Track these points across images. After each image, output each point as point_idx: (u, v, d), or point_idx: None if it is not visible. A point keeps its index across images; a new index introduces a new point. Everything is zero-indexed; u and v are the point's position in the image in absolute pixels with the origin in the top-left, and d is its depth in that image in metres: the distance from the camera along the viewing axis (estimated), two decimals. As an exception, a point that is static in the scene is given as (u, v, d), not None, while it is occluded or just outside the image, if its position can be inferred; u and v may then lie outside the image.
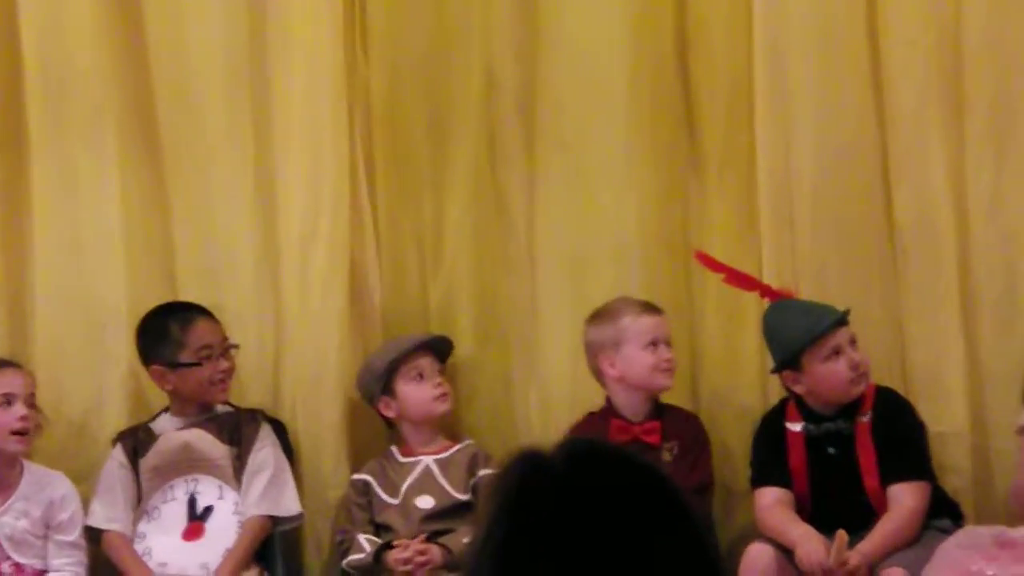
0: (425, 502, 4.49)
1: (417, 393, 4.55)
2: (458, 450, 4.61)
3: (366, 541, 4.48)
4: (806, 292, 4.47)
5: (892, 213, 4.49)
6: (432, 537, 4.40)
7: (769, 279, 4.51)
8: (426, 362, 4.53)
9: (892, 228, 4.50)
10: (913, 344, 4.49)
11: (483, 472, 4.52)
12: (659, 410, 4.44)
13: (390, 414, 4.59)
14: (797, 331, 4.24)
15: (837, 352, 4.24)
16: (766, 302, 4.40)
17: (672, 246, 4.63)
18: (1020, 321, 4.46)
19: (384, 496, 4.54)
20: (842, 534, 4.07)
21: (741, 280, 4.36)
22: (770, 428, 4.38)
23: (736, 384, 4.58)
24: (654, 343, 4.37)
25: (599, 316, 4.45)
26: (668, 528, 1.63)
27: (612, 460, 1.67)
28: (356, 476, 4.57)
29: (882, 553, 4.16)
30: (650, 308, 4.41)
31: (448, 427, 4.68)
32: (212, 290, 4.70)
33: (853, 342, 4.28)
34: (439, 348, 4.61)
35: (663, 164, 4.61)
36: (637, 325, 4.37)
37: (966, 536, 4.12)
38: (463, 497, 4.51)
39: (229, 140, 4.68)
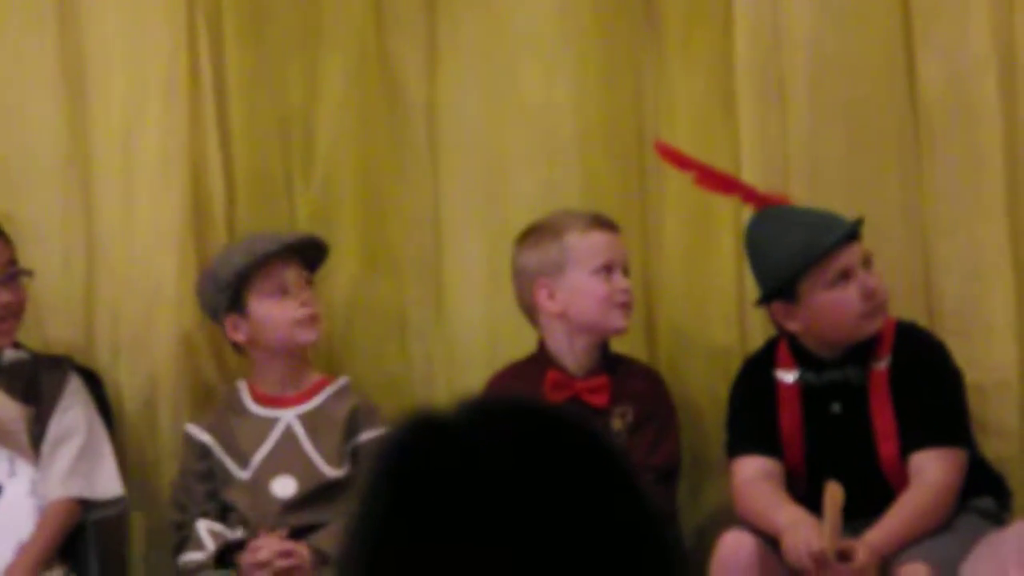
0: (285, 487, 3.81)
1: (276, 313, 3.85)
2: (331, 396, 3.89)
3: (207, 533, 3.79)
4: (801, 197, 3.85)
5: (916, 86, 3.89)
6: (298, 534, 3.75)
7: (752, 179, 3.88)
8: (291, 273, 3.85)
9: (916, 107, 3.89)
10: (944, 266, 3.90)
11: (365, 435, 3.83)
12: (609, 362, 3.82)
13: (239, 338, 3.90)
14: (792, 248, 3.63)
15: (846, 276, 3.63)
16: (749, 210, 3.81)
17: (620, 137, 4.00)
18: (1088, 233, 3.89)
19: (229, 466, 3.84)
20: (833, 489, 3.49)
21: (717, 181, 3.78)
22: (754, 378, 3.77)
23: (705, 321, 3.99)
24: (607, 268, 3.76)
25: (535, 233, 3.82)
26: (607, 517, 1.44)
27: (537, 423, 1.47)
28: (192, 430, 3.87)
29: (899, 543, 3.58)
30: (602, 222, 3.80)
31: (318, 363, 4.03)
32: (1, 195, 4.06)
33: (868, 262, 3.67)
34: (309, 254, 3.92)
35: (608, 24, 3.98)
36: (586, 244, 3.76)
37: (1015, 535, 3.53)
38: (336, 473, 3.82)
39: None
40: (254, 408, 3.87)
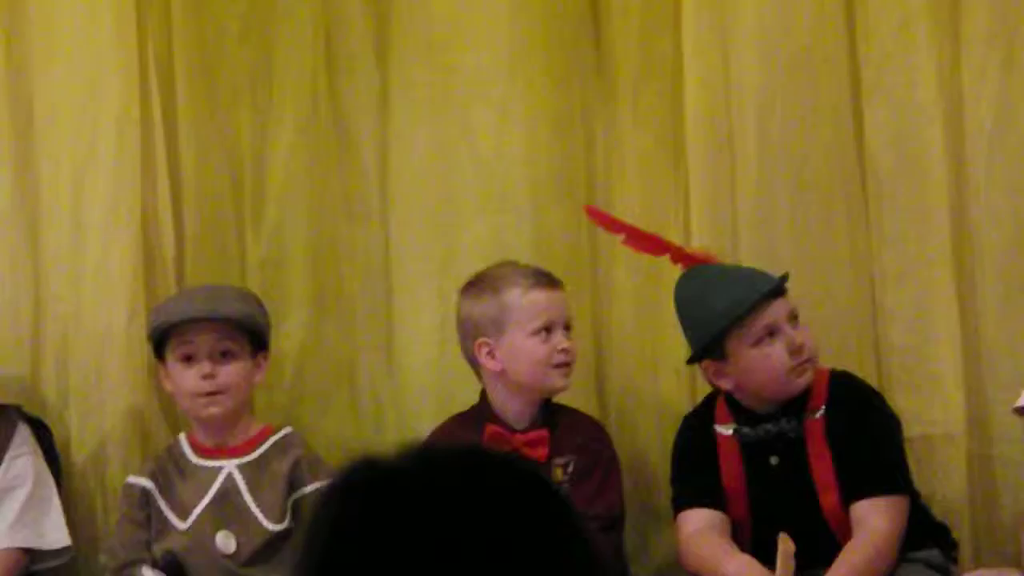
0: (227, 543, 3.68)
1: (182, 379, 3.73)
2: (274, 446, 3.76)
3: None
4: (749, 247, 3.79)
5: (864, 138, 3.80)
6: None
7: (700, 232, 3.83)
8: (202, 340, 3.68)
9: (864, 159, 3.80)
10: (892, 317, 3.80)
11: (308, 488, 3.70)
12: (550, 414, 3.73)
13: (168, 388, 3.79)
14: (716, 307, 3.57)
15: (772, 332, 3.56)
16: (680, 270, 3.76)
17: (571, 187, 3.90)
18: (1034, 283, 3.80)
19: (168, 515, 3.72)
20: (785, 540, 3.40)
21: (645, 241, 3.70)
22: (695, 432, 3.69)
23: (656, 374, 3.90)
24: (547, 328, 3.65)
25: (476, 286, 3.72)
26: (552, 562, 1.40)
27: (479, 468, 1.45)
28: (132, 479, 3.75)
29: None
30: (544, 280, 3.69)
31: (268, 409, 3.92)
32: None
33: (794, 317, 3.59)
34: (237, 323, 3.72)
35: (560, 78, 3.90)
36: (526, 304, 3.65)
37: None
38: (277, 528, 3.69)
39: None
40: (194, 459, 3.74)
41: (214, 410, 3.68)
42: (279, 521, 3.67)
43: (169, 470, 3.74)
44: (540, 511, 1.43)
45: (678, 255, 3.66)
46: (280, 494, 3.68)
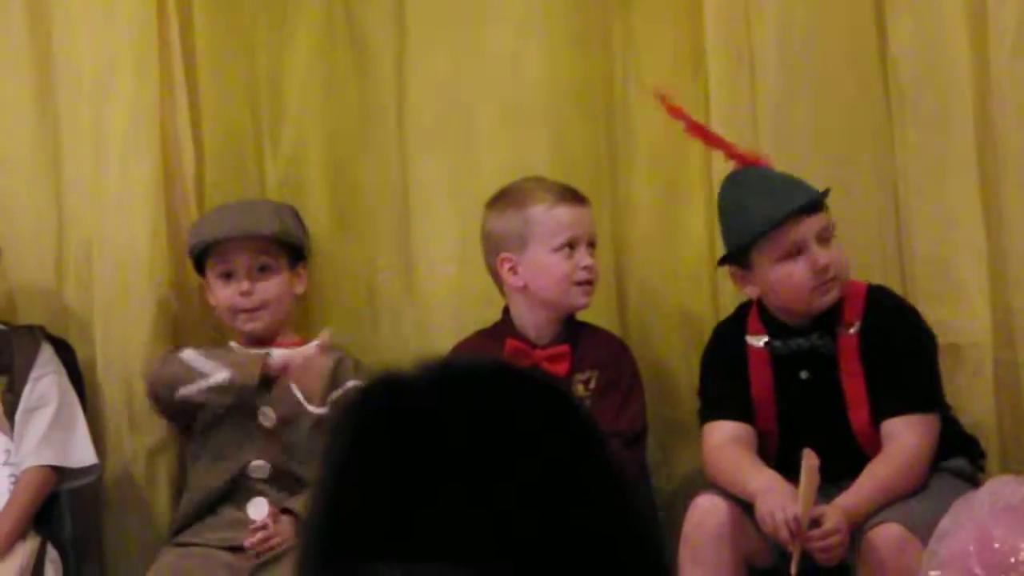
0: (266, 417, 3.68)
1: (222, 294, 3.76)
2: (316, 347, 3.72)
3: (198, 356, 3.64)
4: (770, 155, 3.66)
5: (886, 47, 3.71)
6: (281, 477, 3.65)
7: None
8: (239, 258, 3.71)
9: (886, 68, 3.71)
10: (915, 226, 3.72)
11: (351, 383, 3.68)
12: (572, 330, 3.68)
13: (212, 302, 3.80)
14: (748, 216, 3.50)
15: (799, 250, 3.48)
16: (720, 175, 3.65)
17: (590, 102, 3.83)
18: (1059, 193, 3.69)
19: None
20: (810, 456, 3.34)
21: (703, 133, 3.62)
22: (725, 343, 3.61)
23: (677, 287, 3.83)
24: (571, 245, 3.61)
25: (501, 200, 3.67)
26: (572, 476, 1.36)
27: (498, 381, 1.41)
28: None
29: (871, 507, 3.44)
30: (570, 196, 3.63)
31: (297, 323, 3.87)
32: None
33: (825, 237, 3.50)
34: (273, 238, 3.73)
35: None
36: (549, 218, 3.60)
37: (1000, 489, 3.34)
38: (318, 411, 3.68)
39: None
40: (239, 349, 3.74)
41: (254, 325, 3.70)
42: (318, 406, 3.65)
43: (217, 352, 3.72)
44: (562, 425, 1.40)
45: (730, 152, 3.57)
46: (323, 384, 3.66)
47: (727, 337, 3.59)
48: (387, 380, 1.43)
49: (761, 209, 3.46)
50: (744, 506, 3.44)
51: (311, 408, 3.66)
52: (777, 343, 3.52)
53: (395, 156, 3.86)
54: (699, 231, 3.78)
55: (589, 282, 3.62)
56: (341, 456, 1.40)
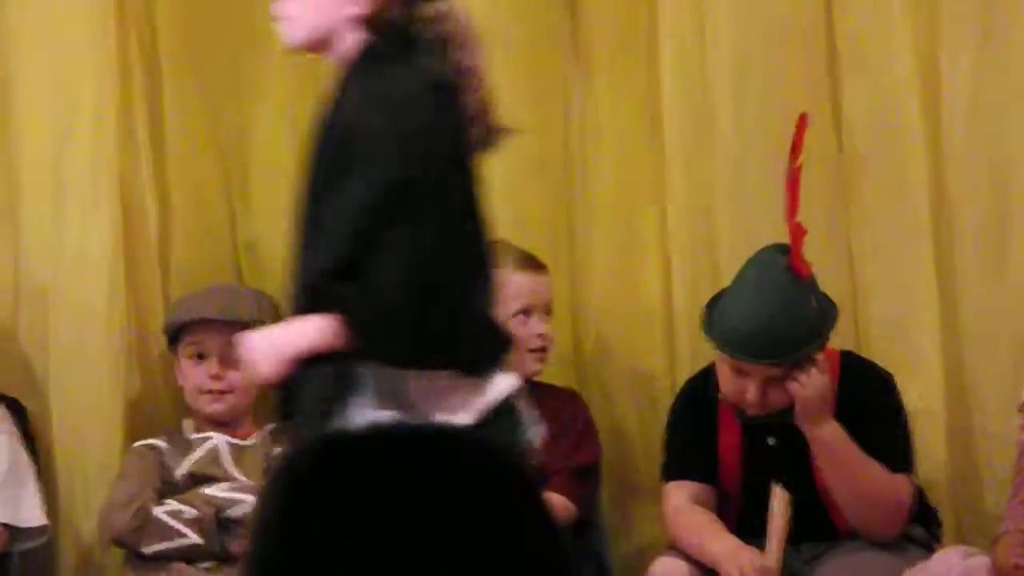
0: (212, 490, 3.65)
1: (191, 373, 3.71)
2: (262, 437, 3.73)
3: (167, 515, 3.58)
4: (726, 222, 3.66)
5: (841, 112, 3.67)
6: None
7: (676, 206, 3.71)
8: (213, 340, 3.66)
9: (841, 133, 3.68)
10: (870, 291, 3.68)
11: (277, 449, 3.65)
12: (525, 390, 3.50)
13: (179, 381, 3.76)
14: (717, 321, 3.41)
15: (740, 372, 3.40)
16: (674, 232, 3.67)
17: (547, 161, 3.78)
18: (1012, 256, 3.62)
19: (171, 465, 3.69)
20: (780, 497, 3.30)
21: (793, 198, 3.43)
22: (696, 398, 3.50)
23: (633, 347, 3.77)
24: (526, 312, 3.53)
25: None
26: (506, 541, 1.37)
27: (439, 441, 1.42)
28: (140, 443, 3.71)
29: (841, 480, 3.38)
30: (527, 263, 3.57)
31: (264, 410, 3.75)
32: None
33: (770, 378, 3.37)
34: (249, 325, 3.58)
35: (535, 50, 3.77)
36: (509, 285, 3.49)
37: (951, 559, 3.28)
38: (254, 485, 3.66)
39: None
40: (191, 434, 3.70)
41: (218, 407, 3.65)
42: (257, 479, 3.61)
43: (172, 437, 3.69)
44: (499, 483, 1.40)
45: (791, 213, 3.39)
46: (260, 461, 3.64)
47: (698, 394, 3.49)
48: (327, 438, 1.44)
49: (719, 327, 3.36)
50: (705, 570, 3.36)
51: (250, 483, 3.61)
52: (745, 415, 3.42)
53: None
54: (655, 291, 3.72)
55: (543, 349, 3.55)
56: (276, 509, 1.40)
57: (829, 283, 3.59)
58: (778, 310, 3.33)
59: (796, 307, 3.34)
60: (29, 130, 3.76)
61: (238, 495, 3.59)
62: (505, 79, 3.62)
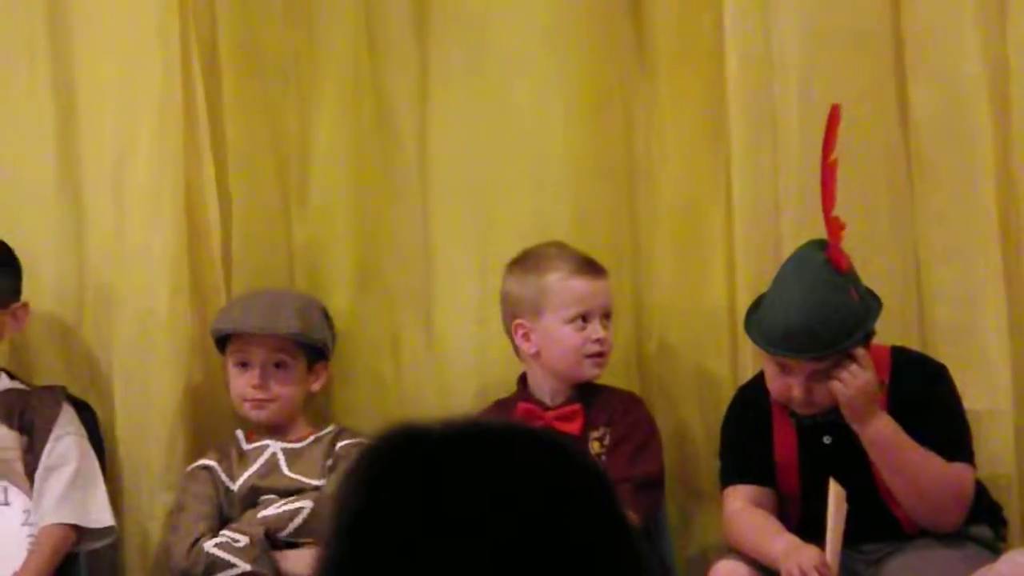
0: (270, 510, 3.63)
1: (235, 381, 3.69)
2: (316, 439, 3.70)
3: (217, 548, 3.57)
4: (792, 226, 3.60)
5: (908, 115, 3.62)
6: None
7: (742, 210, 3.66)
8: (256, 351, 3.63)
9: (908, 133, 3.63)
10: (936, 292, 3.63)
11: (341, 444, 3.64)
12: (586, 391, 3.59)
13: (228, 385, 3.74)
14: (758, 320, 3.42)
15: (785, 370, 3.38)
16: (741, 239, 3.63)
17: (611, 164, 3.73)
18: (1082, 258, 3.54)
19: (227, 482, 3.67)
20: (836, 485, 3.26)
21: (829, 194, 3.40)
22: (749, 404, 3.50)
23: (697, 350, 3.73)
24: (584, 318, 3.50)
25: (520, 263, 3.58)
26: (579, 535, 1.38)
27: (511, 434, 1.43)
28: (193, 464, 3.69)
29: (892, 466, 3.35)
30: (587, 267, 3.53)
31: (318, 412, 3.77)
32: None
33: (814, 374, 3.34)
34: (292, 338, 3.65)
35: (598, 55, 3.72)
36: (564, 289, 3.51)
37: (1019, 560, 3.24)
38: (317, 482, 3.64)
39: (8, 24, 3.80)
40: (246, 444, 3.69)
41: (261, 415, 3.63)
42: (317, 478, 3.61)
43: (228, 450, 3.67)
44: (571, 486, 1.39)
45: (827, 206, 3.37)
46: (318, 461, 3.62)
47: (752, 398, 3.47)
48: (401, 433, 1.43)
49: (759, 325, 3.36)
50: (765, 572, 3.34)
51: (311, 481, 3.61)
52: (798, 416, 3.40)
53: (418, 216, 3.77)
54: (720, 293, 3.67)
55: (600, 354, 3.51)
56: (357, 497, 1.40)
57: (895, 285, 3.58)
58: (817, 304, 3.29)
59: (835, 300, 3.30)
60: (93, 131, 3.75)
61: (294, 505, 3.56)
62: (567, 81, 3.69)
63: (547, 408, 3.58)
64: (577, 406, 3.56)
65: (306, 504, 3.56)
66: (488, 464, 1.40)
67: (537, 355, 3.55)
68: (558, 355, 3.53)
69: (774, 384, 3.38)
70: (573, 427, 3.54)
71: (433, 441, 1.42)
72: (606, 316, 3.53)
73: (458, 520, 1.37)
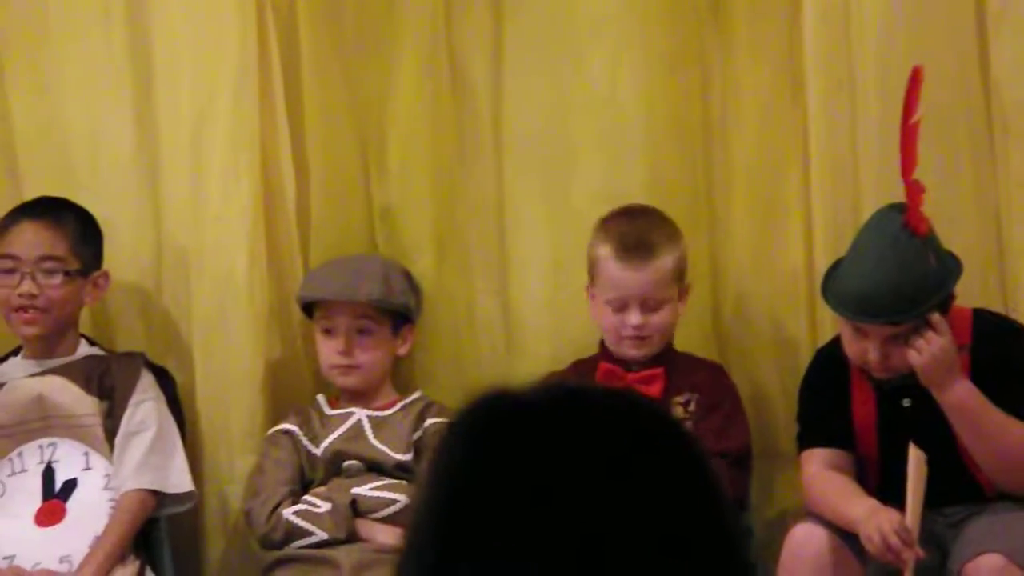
0: (352, 468, 3.63)
1: (323, 348, 3.68)
2: (403, 407, 3.68)
3: (296, 516, 3.57)
4: (871, 186, 3.54)
5: (989, 71, 3.53)
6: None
7: (820, 171, 3.59)
8: (339, 318, 3.62)
9: (989, 93, 3.55)
10: (1018, 251, 3.56)
11: (431, 421, 3.62)
12: (667, 355, 3.54)
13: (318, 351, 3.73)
14: (834, 285, 3.38)
15: (861, 333, 3.32)
16: (818, 199, 3.57)
17: (686, 125, 3.69)
18: None
19: (309, 446, 3.66)
20: (916, 449, 3.19)
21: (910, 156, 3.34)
22: (828, 367, 3.43)
23: (774, 313, 3.68)
24: (621, 306, 3.44)
25: (601, 223, 3.53)
26: (681, 500, 1.36)
27: (606, 402, 1.40)
28: (274, 428, 3.68)
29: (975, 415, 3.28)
30: (631, 253, 3.43)
31: (401, 376, 3.76)
32: (68, 188, 3.74)
33: (891, 338, 3.29)
34: (374, 304, 3.63)
35: (673, 14, 3.67)
36: (604, 270, 3.46)
37: None
38: (402, 457, 3.63)
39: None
40: (329, 410, 3.68)
41: (346, 380, 3.62)
42: (403, 453, 3.60)
43: (310, 415, 3.66)
44: (668, 447, 1.37)
45: (907, 168, 3.31)
46: (404, 433, 3.61)
47: (830, 361, 3.42)
48: (494, 398, 1.41)
49: (836, 289, 3.32)
50: (844, 535, 3.30)
51: (395, 455, 3.61)
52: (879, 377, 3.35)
53: (492, 179, 3.74)
54: (797, 255, 3.62)
55: (638, 338, 3.46)
56: (448, 475, 1.38)
57: (976, 244, 3.52)
58: (893, 268, 3.24)
59: (912, 266, 3.24)
60: (169, 98, 3.73)
61: (390, 495, 3.56)
62: (642, 42, 3.63)
63: (628, 369, 3.55)
64: (659, 369, 3.52)
65: (401, 499, 3.55)
66: (597, 430, 1.37)
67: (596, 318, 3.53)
68: (603, 328, 3.52)
69: (851, 348, 3.34)
70: (654, 390, 3.51)
71: (537, 408, 1.39)
72: (646, 304, 3.45)
73: (570, 489, 1.35)
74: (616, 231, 3.48)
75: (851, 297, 3.28)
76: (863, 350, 3.31)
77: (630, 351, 3.49)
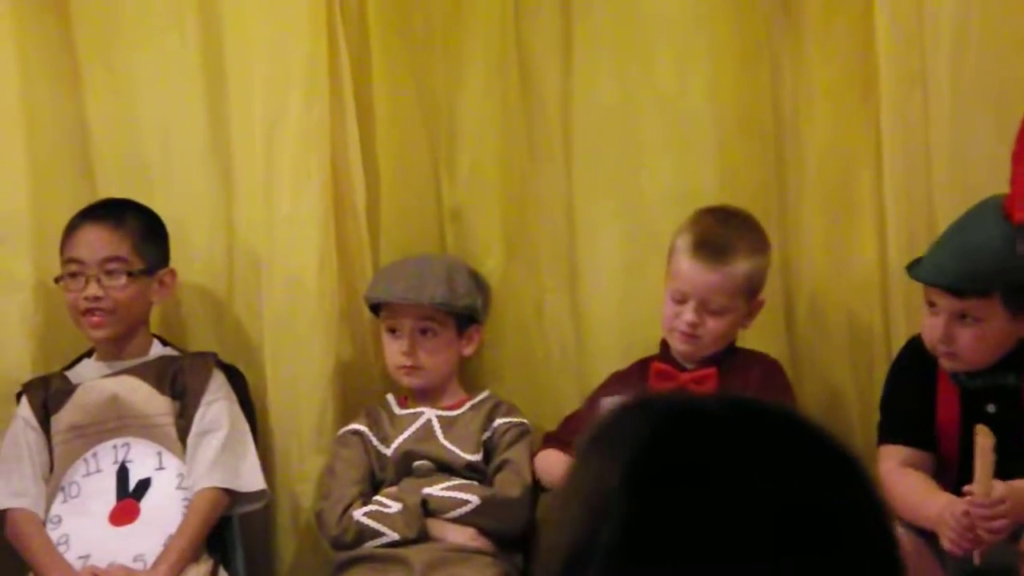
0: (422, 468, 3.63)
1: (388, 348, 3.69)
2: (472, 407, 3.68)
3: (366, 517, 3.56)
4: (944, 183, 3.50)
5: None
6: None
7: (892, 168, 3.55)
8: (404, 319, 3.62)
9: None
10: None
11: (500, 421, 3.61)
12: (723, 353, 3.50)
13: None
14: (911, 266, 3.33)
15: (931, 303, 3.28)
16: (889, 194, 3.53)
17: (757, 124, 3.66)
18: None
19: (379, 447, 3.65)
20: (984, 433, 3.10)
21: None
22: (918, 360, 3.35)
23: (846, 309, 3.65)
24: (681, 299, 3.41)
25: (693, 212, 3.51)
26: (853, 508, 1.32)
27: (794, 425, 1.36)
28: (344, 429, 3.68)
29: None
30: (705, 252, 3.41)
31: (468, 375, 3.74)
32: (142, 189, 3.76)
33: (958, 316, 3.25)
34: (438, 306, 3.63)
35: (744, 10, 3.64)
36: (676, 261, 3.43)
37: None
38: (472, 457, 3.62)
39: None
40: (399, 410, 3.68)
41: (413, 382, 3.62)
42: (473, 453, 3.60)
43: (379, 415, 3.66)
44: (848, 483, 1.33)
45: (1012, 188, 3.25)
46: (474, 433, 3.61)
47: (919, 355, 3.35)
48: (680, 412, 1.34)
49: (922, 258, 3.30)
50: (921, 534, 3.25)
51: (466, 456, 3.60)
52: (963, 377, 3.32)
53: (562, 179, 3.73)
54: (869, 252, 3.58)
55: (689, 334, 3.43)
56: (618, 499, 1.29)
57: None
58: (972, 238, 3.21)
59: (992, 244, 3.19)
60: (241, 99, 3.73)
61: (462, 495, 3.54)
62: (711, 40, 3.60)
63: (683, 369, 3.52)
64: (712, 369, 3.49)
65: (473, 500, 3.53)
66: (770, 442, 1.32)
67: None
68: (663, 316, 3.49)
69: (924, 328, 3.29)
70: (706, 389, 3.47)
71: (705, 409, 1.32)
72: (705, 306, 3.42)
73: (736, 496, 1.29)
74: (700, 226, 3.45)
75: (927, 260, 3.25)
76: (932, 327, 3.25)
77: (678, 345, 3.47)
